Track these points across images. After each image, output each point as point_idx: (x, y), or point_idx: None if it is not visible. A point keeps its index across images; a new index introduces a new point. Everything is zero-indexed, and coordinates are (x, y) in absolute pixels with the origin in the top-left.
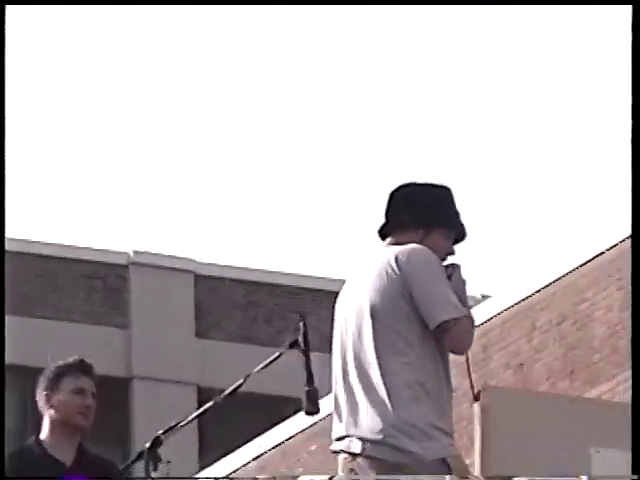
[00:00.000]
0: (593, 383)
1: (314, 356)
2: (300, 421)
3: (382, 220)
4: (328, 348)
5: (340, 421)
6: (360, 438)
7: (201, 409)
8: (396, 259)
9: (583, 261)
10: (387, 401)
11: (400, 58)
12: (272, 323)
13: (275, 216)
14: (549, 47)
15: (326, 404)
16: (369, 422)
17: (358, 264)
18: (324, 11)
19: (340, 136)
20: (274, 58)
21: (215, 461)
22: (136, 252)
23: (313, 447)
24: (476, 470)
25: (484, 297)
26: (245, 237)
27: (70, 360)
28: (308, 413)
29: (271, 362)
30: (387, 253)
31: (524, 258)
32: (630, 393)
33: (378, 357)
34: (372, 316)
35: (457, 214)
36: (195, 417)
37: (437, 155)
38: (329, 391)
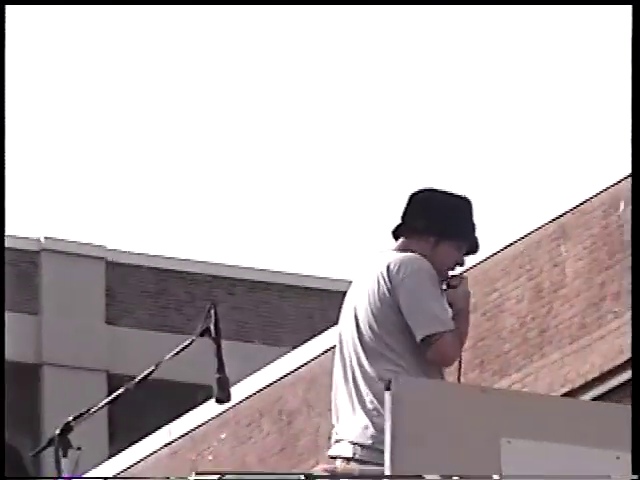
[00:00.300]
0: (503, 373)
1: (225, 344)
2: (211, 409)
3: (397, 220)
4: (239, 336)
5: (336, 425)
6: (351, 442)
7: (112, 396)
8: (388, 268)
9: (494, 251)
10: (377, 407)
11: (400, 58)
12: (183, 311)
13: (186, 204)
14: (549, 47)
15: (236, 392)
16: (360, 427)
17: (362, 267)
18: (324, 11)
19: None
20: (273, 57)
21: (125, 448)
22: (47, 238)
23: (223, 435)
24: (386, 460)
25: None
26: (157, 225)
27: None
28: (219, 401)
29: (182, 349)
30: (384, 260)
31: None
32: (540, 382)
33: (370, 365)
34: (364, 325)
35: (473, 227)
36: (106, 404)
37: (435, 154)
38: (240, 379)
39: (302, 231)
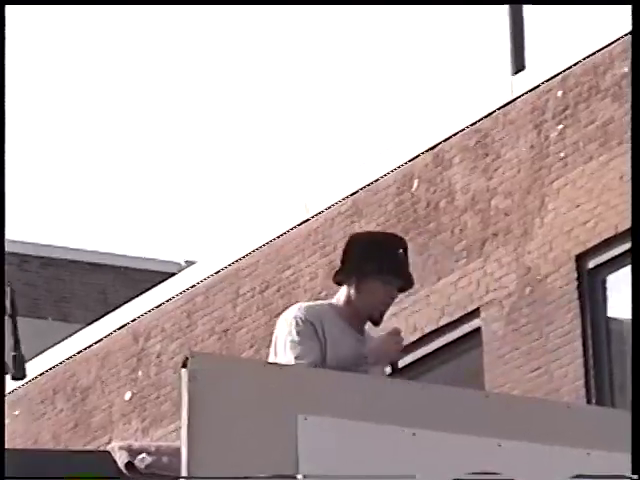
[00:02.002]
0: None
1: (20, 321)
2: (4, 385)
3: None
4: (31, 312)
5: None
6: None
7: None
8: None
9: (288, 228)
10: None
11: (400, 58)
12: None
13: None
14: (549, 47)
15: (30, 369)
16: None
17: None
18: (324, 11)
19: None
20: (263, 58)
21: None
22: None
23: (16, 412)
24: (183, 438)
25: (188, 263)
26: None
27: None
28: (15, 378)
29: None
30: None
31: (229, 224)
32: None
33: None
34: None
35: (398, 260)
36: None
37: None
38: (32, 356)
39: (94, 207)
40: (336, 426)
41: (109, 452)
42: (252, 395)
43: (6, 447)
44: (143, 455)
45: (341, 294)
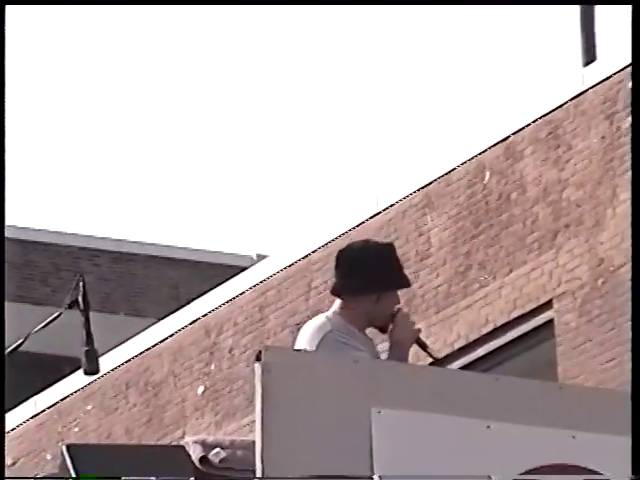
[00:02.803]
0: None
1: (92, 316)
2: (77, 380)
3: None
4: (103, 307)
5: None
6: None
7: None
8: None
9: (360, 221)
10: None
11: (400, 58)
12: (48, 282)
13: (49, 175)
14: (447, 57)
15: (103, 364)
16: None
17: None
18: (324, 11)
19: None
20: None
21: None
22: None
23: (89, 407)
24: (257, 431)
25: (260, 257)
26: (20, 197)
27: None
28: (87, 373)
29: (51, 321)
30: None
31: (301, 218)
32: None
33: None
34: None
35: (401, 268)
36: None
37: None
38: (105, 350)
39: (166, 201)
40: (410, 419)
41: (183, 446)
42: (325, 388)
43: (80, 443)
44: (217, 449)
45: (350, 306)
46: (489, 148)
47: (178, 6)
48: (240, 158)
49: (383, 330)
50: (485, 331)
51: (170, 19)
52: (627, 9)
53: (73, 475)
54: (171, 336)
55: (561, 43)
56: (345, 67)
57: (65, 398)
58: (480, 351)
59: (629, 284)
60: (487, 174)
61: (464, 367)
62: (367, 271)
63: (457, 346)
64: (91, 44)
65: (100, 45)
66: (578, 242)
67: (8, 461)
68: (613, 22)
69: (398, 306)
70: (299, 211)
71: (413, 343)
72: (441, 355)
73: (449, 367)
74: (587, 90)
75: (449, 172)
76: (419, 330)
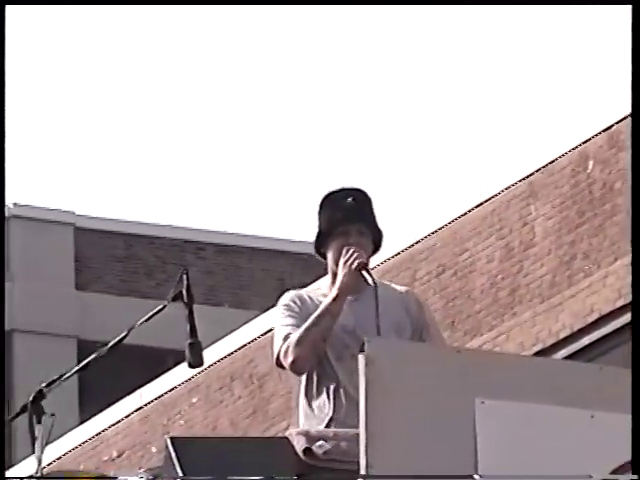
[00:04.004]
0: (474, 333)
1: (197, 308)
2: (181, 373)
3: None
4: (208, 300)
5: None
6: None
7: (85, 361)
8: None
9: (464, 211)
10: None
11: (399, 58)
12: (152, 276)
13: (154, 168)
14: (549, 47)
15: (207, 356)
16: None
17: None
18: (324, 11)
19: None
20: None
21: (96, 413)
22: (16, 205)
23: (195, 399)
24: (361, 422)
25: None
26: (125, 190)
27: None
28: (191, 365)
29: (154, 314)
30: None
31: (404, 209)
32: (511, 342)
33: None
34: None
35: (343, 210)
36: (79, 370)
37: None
38: (209, 343)
39: (270, 193)
40: (513, 409)
41: (287, 438)
42: (429, 379)
43: (185, 436)
44: (321, 442)
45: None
46: (592, 137)
47: (178, 6)
48: (347, 151)
49: (361, 273)
50: (590, 320)
51: (170, 19)
52: None
53: (178, 470)
54: None
55: None
56: (445, 60)
57: (170, 391)
58: (585, 340)
59: None
60: (590, 163)
61: (569, 356)
62: (319, 228)
63: (562, 335)
64: (91, 44)
65: (100, 45)
66: None
67: (113, 454)
68: None
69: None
70: (403, 202)
71: (347, 291)
72: (547, 344)
73: (554, 357)
74: None
75: (552, 162)
76: (360, 258)
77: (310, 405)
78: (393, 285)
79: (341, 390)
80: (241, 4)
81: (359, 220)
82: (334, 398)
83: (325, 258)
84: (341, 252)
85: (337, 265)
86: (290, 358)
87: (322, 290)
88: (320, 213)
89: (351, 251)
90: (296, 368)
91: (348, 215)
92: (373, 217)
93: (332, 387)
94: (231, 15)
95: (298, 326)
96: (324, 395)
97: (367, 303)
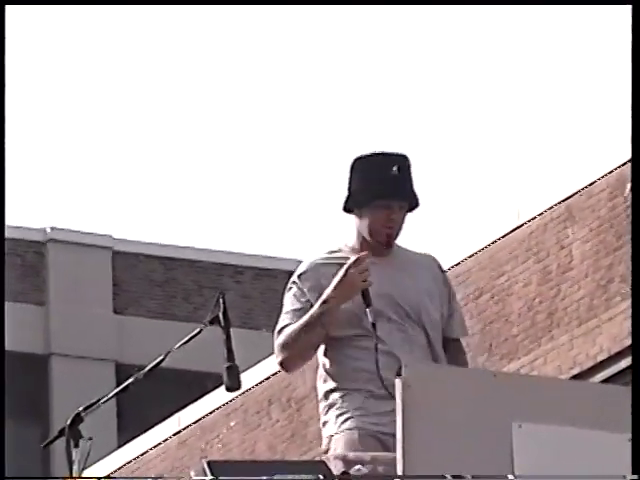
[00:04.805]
0: (511, 357)
1: (234, 332)
2: (219, 397)
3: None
4: (245, 323)
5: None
6: None
7: (122, 385)
8: None
9: (501, 234)
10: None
11: (399, 58)
12: (190, 300)
13: (192, 192)
14: (549, 47)
15: (245, 380)
16: None
17: None
18: (324, 11)
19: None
20: (267, 56)
21: (134, 437)
22: (54, 229)
23: (232, 423)
24: (398, 446)
25: None
26: (163, 214)
27: None
28: (229, 389)
29: (192, 338)
30: None
31: (442, 231)
32: (549, 365)
33: None
34: None
35: (390, 181)
36: (117, 393)
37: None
38: (247, 367)
39: (307, 219)
40: (551, 433)
41: (324, 462)
42: (466, 402)
43: (222, 459)
44: (358, 466)
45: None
46: (630, 160)
47: (178, 6)
48: None
49: (384, 244)
50: (627, 343)
51: (170, 19)
52: None
53: None
54: None
55: None
56: (486, 80)
57: (208, 414)
58: (622, 363)
59: None
60: (628, 186)
61: (606, 380)
62: (352, 185)
63: (600, 359)
64: (91, 44)
65: (100, 45)
66: None
67: (151, 477)
68: None
69: (363, 254)
70: (440, 225)
71: (355, 294)
72: (584, 368)
73: (591, 380)
74: None
75: (590, 185)
76: (367, 283)
77: (343, 367)
78: (410, 249)
79: (379, 345)
80: (241, 4)
81: (403, 198)
82: (375, 353)
83: (350, 213)
84: (379, 224)
85: (371, 234)
86: (278, 358)
87: (344, 252)
88: (359, 175)
89: (363, 266)
90: (284, 369)
91: (393, 190)
92: (412, 185)
93: (370, 345)
94: (231, 15)
95: (299, 316)
96: (360, 353)
97: (397, 267)
